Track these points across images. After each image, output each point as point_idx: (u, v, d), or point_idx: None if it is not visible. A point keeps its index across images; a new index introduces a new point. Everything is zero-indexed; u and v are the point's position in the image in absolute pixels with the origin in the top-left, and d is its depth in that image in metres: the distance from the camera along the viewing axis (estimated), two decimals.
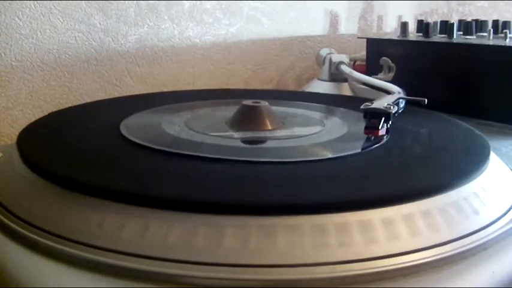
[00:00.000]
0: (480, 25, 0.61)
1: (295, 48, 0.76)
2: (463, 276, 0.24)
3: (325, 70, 0.63)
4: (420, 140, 0.38)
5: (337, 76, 0.62)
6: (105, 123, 0.39)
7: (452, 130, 0.40)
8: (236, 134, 0.38)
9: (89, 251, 0.24)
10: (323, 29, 0.78)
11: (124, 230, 0.24)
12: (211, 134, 0.38)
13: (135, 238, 0.24)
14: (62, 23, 0.58)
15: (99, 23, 0.60)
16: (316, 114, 0.45)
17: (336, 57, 0.62)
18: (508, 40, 0.55)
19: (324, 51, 0.64)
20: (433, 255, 0.24)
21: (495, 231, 0.27)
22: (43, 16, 0.57)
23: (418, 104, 0.44)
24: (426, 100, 0.43)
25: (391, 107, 0.38)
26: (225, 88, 0.68)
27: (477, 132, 0.39)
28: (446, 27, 0.60)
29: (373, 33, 0.83)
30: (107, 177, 0.29)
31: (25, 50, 0.56)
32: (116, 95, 0.62)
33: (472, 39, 0.58)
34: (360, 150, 0.34)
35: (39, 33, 0.57)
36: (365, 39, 0.64)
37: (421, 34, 0.62)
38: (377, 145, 0.35)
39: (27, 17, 0.56)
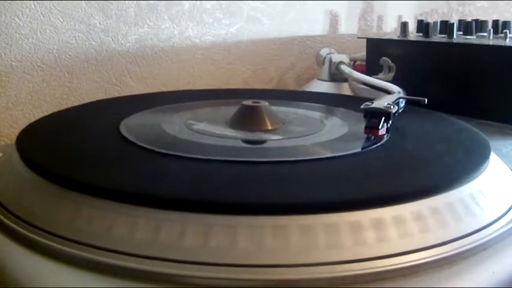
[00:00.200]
0: (480, 25, 0.61)
1: (295, 48, 0.76)
2: (463, 276, 0.24)
3: (325, 70, 0.63)
4: (420, 140, 0.38)
5: (337, 76, 0.62)
6: (105, 123, 0.39)
7: (453, 130, 0.40)
8: (236, 134, 0.38)
9: (89, 251, 0.24)
10: (323, 29, 0.78)
11: (124, 230, 0.24)
12: (211, 134, 0.38)
13: (136, 238, 0.24)
14: (62, 23, 0.58)
15: (99, 23, 0.60)
16: (316, 114, 0.45)
17: (336, 57, 0.62)
18: (508, 40, 0.55)
19: (324, 51, 0.64)
20: (433, 255, 0.24)
21: (495, 231, 0.27)
22: (43, 16, 0.57)
23: (418, 104, 0.44)
24: (426, 100, 0.43)
25: (391, 107, 0.38)
26: (225, 88, 0.68)
27: (477, 131, 0.39)
28: (446, 27, 0.60)
29: (373, 33, 0.83)
30: (106, 177, 0.29)
31: (25, 50, 0.56)
32: (116, 95, 0.62)
33: (472, 39, 0.58)
34: (360, 150, 0.34)
35: (39, 33, 0.57)
36: (365, 39, 0.64)
37: (421, 34, 0.62)
38: (377, 145, 0.35)
39: (27, 17, 0.56)
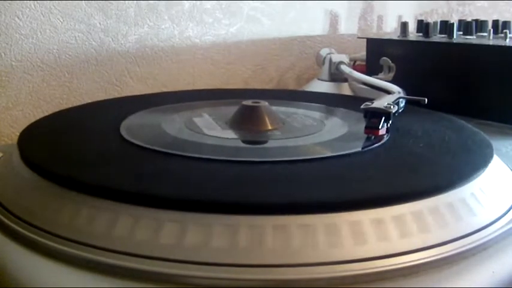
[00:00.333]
0: (480, 25, 0.61)
1: (295, 48, 0.76)
2: (463, 276, 0.24)
3: (325, 70, 0.63)
4: (420, 140, 0.38)
5: (337, 76, 0.62)
6: (105, 123, 0.39)
7: (453, 129, 0.40)
8: (236, 134, 0.38)
9: (89, 251, 0.24)
10: (323, 29, 0.78)
11: (124, 230, 0.24)
12: (211, 134, 0.38)
13: (136, 238, 0.24)
14: (62, 23, 0.58)
15: (99, 23, 0.60)
16: (316, 114, 0.45)
17: (336, 57, 0.62)
18: (508, 40, 0.55)
19: (324, 51, 0.64)
20: (433, 255, 0.24)
21: (495, 231, 0.27)
22: (43, 16, 0.57)
23: (418, 104, 0.44)
24: (426, 100, 0.43)
25: (391, 107, 0.38)
26: (225, 88, 0.68)
27: (478, 131, 0.39)
28: (446, 27, 0.60)
29: (373, 33, 0.83)
30: (107, 177, 0.29)
31: (25, 50, 0.56)
32: (116, 95, 0.62)
33: (472, 39, 0.58)
34: (360, 150, 0.34)
35: (39, 33, 0.57)
36: (365, 39, 0.64)
37: (421, 34, 0.62)
38: (377, 145, 0.35)
39: (27, 17, 0.56)
